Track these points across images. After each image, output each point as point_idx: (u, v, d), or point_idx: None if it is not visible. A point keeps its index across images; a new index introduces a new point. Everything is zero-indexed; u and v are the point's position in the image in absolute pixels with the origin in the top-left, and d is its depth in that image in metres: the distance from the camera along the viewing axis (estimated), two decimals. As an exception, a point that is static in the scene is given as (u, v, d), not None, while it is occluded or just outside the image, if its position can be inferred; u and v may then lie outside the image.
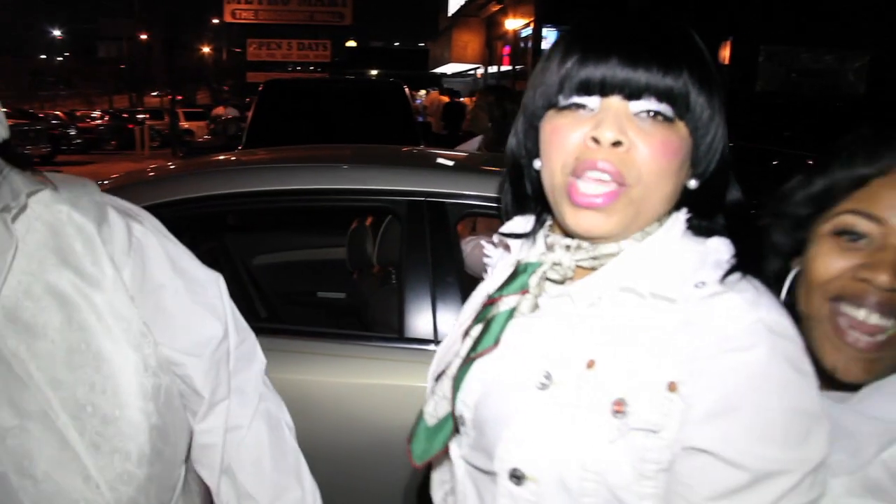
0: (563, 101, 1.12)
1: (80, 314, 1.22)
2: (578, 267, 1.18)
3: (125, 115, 33.84)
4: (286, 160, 3.18)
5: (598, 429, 1.05)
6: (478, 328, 1.24)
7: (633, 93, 1.07)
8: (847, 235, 1.15)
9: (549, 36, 20.52)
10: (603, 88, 1.08)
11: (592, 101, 1.09)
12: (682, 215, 1.16)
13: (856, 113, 12.05)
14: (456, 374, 1.23)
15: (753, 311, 1.03)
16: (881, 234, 1.11)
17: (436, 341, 2.59)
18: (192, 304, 1.39)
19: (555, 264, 1.19)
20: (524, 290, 1.21)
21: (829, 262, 1.15)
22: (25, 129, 19.96)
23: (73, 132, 26.13)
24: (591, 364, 1.08)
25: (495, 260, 1.39)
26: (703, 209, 1.17)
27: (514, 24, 22.43)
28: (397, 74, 28.93)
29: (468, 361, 1.21)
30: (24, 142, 19.22)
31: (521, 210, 1.32)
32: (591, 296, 1.13)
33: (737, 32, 17.30)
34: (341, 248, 3.91)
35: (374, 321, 3.30)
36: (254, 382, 1.51)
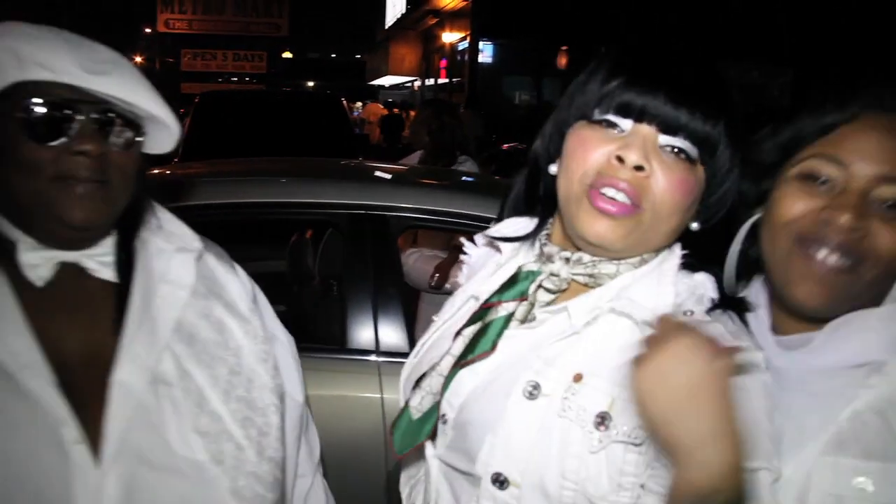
0: (596, 116, 1.17)
1: (235, 340, 1.45)
2: (573, 281, 1.23)
3: None
4: (224, 173, 3.18)
5: (580, 440, 1.10)
6: (471, 330, 1.27)
7: (669, 128, 1.13)
8: (812, 179, 1.18)
9: (486, 49, 20.74)
10: (641, 115, 1.14)
11: (625, 124, 1.15)
12: (678, 251, 1.22)
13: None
14: (448, 373, 1.26)
15: (736, 342, 1.08)
16: (844, 178, 1.15)
17: (378, 352, 2.62)
18: (290, 357, 1.63)
19: (552, 275, 1.23)
20: (523, 298, 1.25)
21: (793, 203, 1.19)
22: None
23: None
24: (578, 378, 1.13)
25: (476, 260, 1.44)
26: (700, 253, 1.23)
27: (450, 37, 22.58)
28: (334, 86, 28.81)
29: (463, 363, 1.25)
30: None
31: (528, 210, 1.36)
32: (588, 314, 1.17)
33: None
34: (281, 261, 3.92)
35: (315, 333, 3.31)
36: (315, 439, 1.71)
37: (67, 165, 1.24)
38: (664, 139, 1.14)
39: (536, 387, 1.15)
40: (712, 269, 1.22)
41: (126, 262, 1.37)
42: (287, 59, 38.93)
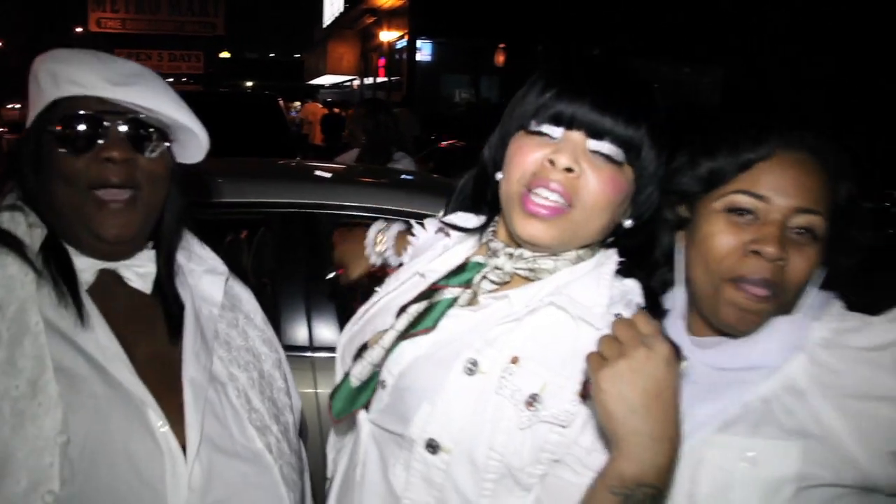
0: (533, 126, 1.31)
1: (256, 347, 1.63)
2: (515, 274, 1.37)
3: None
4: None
5: (512, 416, 1.23)
6: (416, 308, 1.40)
7: (595, 133, 1.27)
8: (736, 212, 1.32)
9: (424, 48, 20.84)
10: (570, 123, 1.28)
11: (557, 132, 1.29)
12: (615, 256, 1.36)
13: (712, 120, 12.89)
14: (390, 345, 1.38)
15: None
16: (765, 211, 1.30)
17: (311, 348, 2.66)
18: (286, 364, 1.75)
19: (496, 268, 1.37)
20: (468, 286, 1.39)
21: (724, 238, 1.33)
22: None
23: None
24: (514, 360, 1.26)
25: (423, 242, 1.60)
26: (631, 258, 1.37)
27: (388, 35, 22.61)
28: (273, 86, 28.54)
29: (406, 336, 1.37)
30: None
31: (475, 210, 1.50)
32: (528, 303, 1.31)
33: (599, 44, 18.07)
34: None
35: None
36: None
37: (98, 172, 1.37)
38: (592, 144, 1.27)
39: (475, 364, 1.28)
40: (640, 276, 1.36)
41: (168, 271, 1.53)
42: (225, 59, 38.40)
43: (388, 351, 1.39)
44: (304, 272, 2.74)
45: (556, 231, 1.29)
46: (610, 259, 1.37)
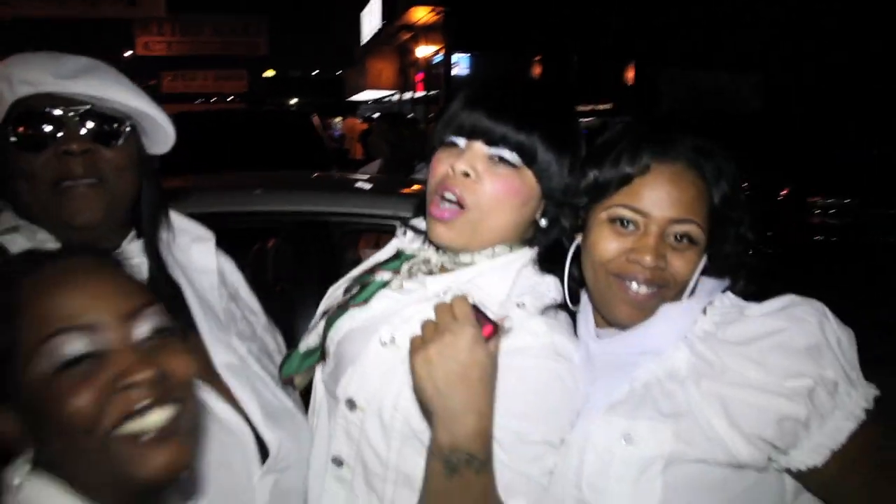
0: (445, 139, 1.53)
1: (246, 313, 1.74)
2: (443, 266, 1.59)
3: None
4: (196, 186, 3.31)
5: (411, 383, 1.36)
6: (356, 287, 1.64)
7: (491, 140, 1.47)
8: (619, 222, 1.45)
9: (460, 62, 21.00)
10: (470, 133, 1.49)
11: (461, 142, 1.50)
12: (529, 252, 1.56)
13: (753, 125, 12.76)
14: (330, 317, 1.61)
15: (550, 334, 1.44)
16: (644, 223, 1.43)
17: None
18: None
19: (425, 260, 1.61)
20: (397, 271, 1.63)
21: (607, 244, 1.45)
22: None
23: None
24: None
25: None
26: (549, 253, 1.55)
27: (424, 51, 22.86)
28: (315, 103, 28.97)
29: (341, 309, 1.60)
30: None
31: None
32: (438, 290, 1.52)
33: (639, 57, 18.07)
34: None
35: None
36: None
37: (60, 167, 1.38)
38: (489, 150, 1.47)
39: (392, 339, 1.47)
40: (559, 272, 1.52)
41: (156, 259, 1.55)
42: (268, 77, 39.06)
43: (329, 321, 1.59)
44: (318, 278, 2.87)
45: (455, 232, 1.49)
46: (523, 255, 1.53)
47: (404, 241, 1.72)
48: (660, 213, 1.40)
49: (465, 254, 1.54)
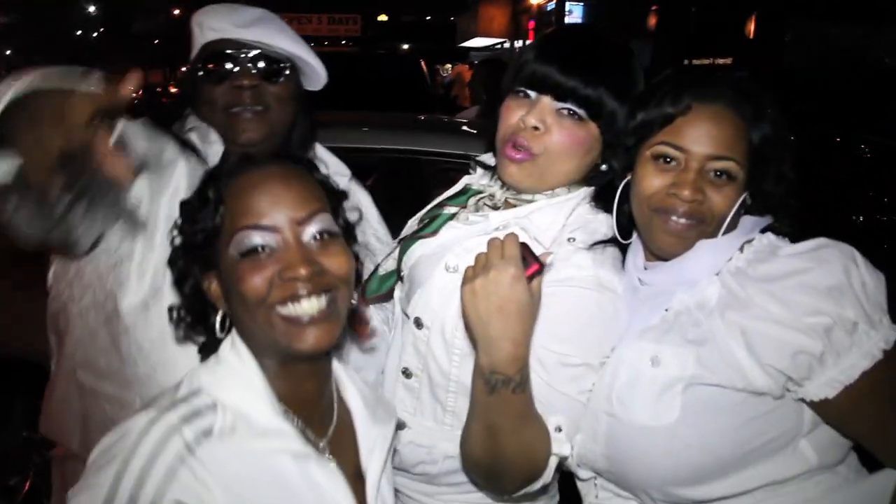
0: (515, 88, 1.66)
1: (369, 240, 2.03)
2: (507, 202, 1.75)
3: (159, 90, 34.16)
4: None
5: None
6: (427, 219, 1.83)
7: (559, 95, 1.60)
8: (662, 159, 1.54)
9: (574, 10, 20.57)
10: (541, 87, 1.61)
11: (531, 94, 1.64)
12: (585, 191, 1.70)
13: (888, 87, 12.01)
14: (404, 244, 1.82)
15: (594, 268, 1.58)
16: (685, 159, 1.52)
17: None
18: None
19: (490, 195, 1.77)
20: (463, 206, 1.80)
21: (651, 180, 1.56)
22: None
23: (109, 107, 26.32)
24: None
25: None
26: (609, 188, 1.67)
27: (539, -3, 22.52)
28: (426, 48, 29.02)
29: (413, 238, 1.80)
30: None
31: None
32: (499, 223, 1.68)
33: (761, 8, 17.20)
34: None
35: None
36: None
37: (232, 96, 1.78)
38: (557, 104, 1.60)
39: (456, 266, 1.64)
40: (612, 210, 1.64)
41: None
42: (381, 22, 39.24)
43: (403, 248, 1.80)
44: (408, 213, 3.00)
45: (525, 174, 1.64)
46: (579, 194, 1.67)
47: (474, 176, 1.88)
48: (699, 150, 1.50)
49: (528, 193, 1.70)
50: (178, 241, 1.33)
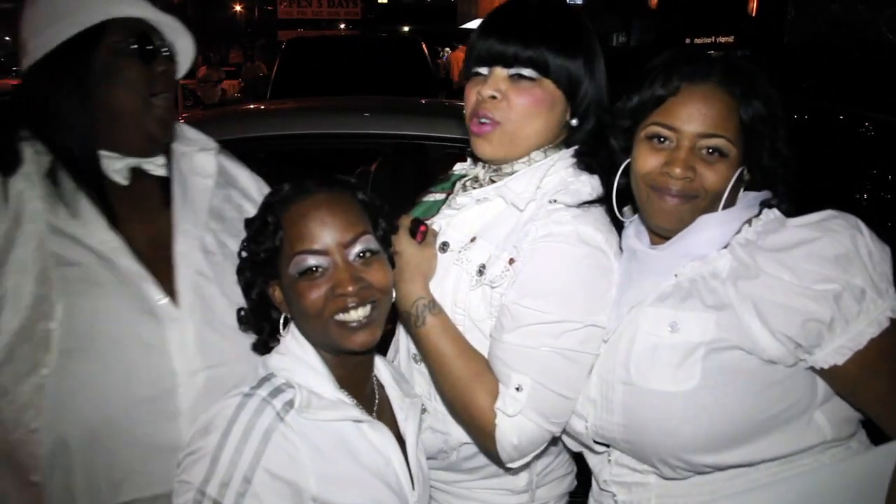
0: (470, 71, 1.75)
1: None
2: (490, 180, 1.77)
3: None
4: (306, 108, 3.50)
5: (466, 281, 1.68)
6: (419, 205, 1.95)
7: (506, 62, 1.67)
8: (655, 139, 1.60)
9: (575, -10, 20.42)
10: (488, 60, 1.69)
11: (483, 70, 1.71)
12: (564, 153, 1.74)
13: (891, 62, 11.92)
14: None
15: (573, 223, 1.61)
16: (676, 138, 1.57)
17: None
18: None
19: (474, 177, 1.82)
20: (448, 191, 1.87)
21: (646, 160, 1.61)
22: None
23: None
24: (473, 240, 1.73)
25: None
26: (587, 147, 1.75)
27: (540, -22, 22.32)
28: (427, 30, 28.88)
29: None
30: None
31: None
32: (479, 196, 1.75)
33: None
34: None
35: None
36: None
37: (155, 81, 1.67)
38: (507, 71, 1.66)
39: (446, 244, 1.74)
40: (599, 174, 1.71)
41: (170, 163, 1.80)
42: (382, 4, 39.03)
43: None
44: (413, 197, 3.03)
45: (495, 145, 1.69)
46: (554, 158, 1.71)
47: (464, 164, 1.93)
48: (689, 129, 1.55)
49: (506, 164, 1.73)
50: (244, 255, 1.56)
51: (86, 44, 1.59)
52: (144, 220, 1.72)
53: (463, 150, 3.19)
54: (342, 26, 32.44)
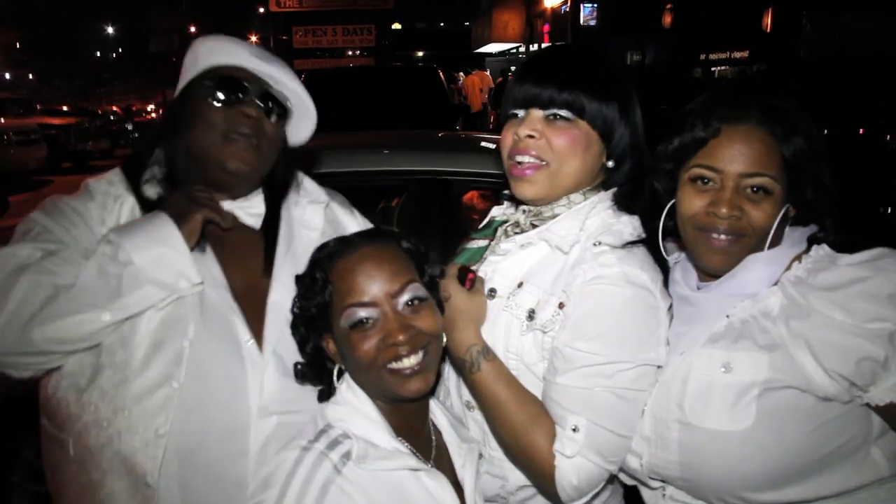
0: (507, 113, 1.78)
1: None
2: (532, 224, 1.79)
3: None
4: (329, 146, 3.54)
5: (516, 326, 1.68)
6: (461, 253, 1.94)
7: (542, 104, 1.69)
8: (699, 180, 1.62)
9: (587, 10, 20.55)
10: (525, 103, 1.72)
11: (520, 112, 1.74)
12: (603, 195, 1.76)
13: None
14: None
15: (620, 265, 1.61)
16: (720, 179, 1.59)
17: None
18: None
19: (515, 223, 1.84)
20: (490, 238, 1.88)
21: (691, 202, 1.63)
22: (86, 126, 20.37)
23: (130, 126, 26.52)
24: (520, 285, 1.72)
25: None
26: (626, 189, 1.76)
27: (552, 1, 22.48)
28: (441, 55, 29.06)
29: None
30: (84, 138, 19.73)
31: None
32: (523, 241, 1.76)
33: (777, 1, 17.11)
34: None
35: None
36: None
37: (234, 122, 1.74)
38: (543, 112, 1.69)
39: (494, 291, 1.75)
40: (640, 213, 1.72)
41: (272, 214, 1.88)
42: (396, 30, 39.38)
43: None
44: (438, 233, 3.03)
45: (537, 185, 1.71)
46: (594, 200, 1.73)
47: (502, 208, 1.95)
48: (732, 169, 1.56)
49: (547, 208, 1.75)
50: (296, 311, 1.61)
51: (192, 89, 1.78)
52: (243, 264, 1.81)
53: (485, 184, 3.26)
54: (357, 53, 32.72)
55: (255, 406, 1.68)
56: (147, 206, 1.75)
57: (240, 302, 1.74)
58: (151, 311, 1.64)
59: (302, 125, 1.91)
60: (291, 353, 1.70)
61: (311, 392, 1.70)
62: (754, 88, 1.64)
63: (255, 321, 1.73)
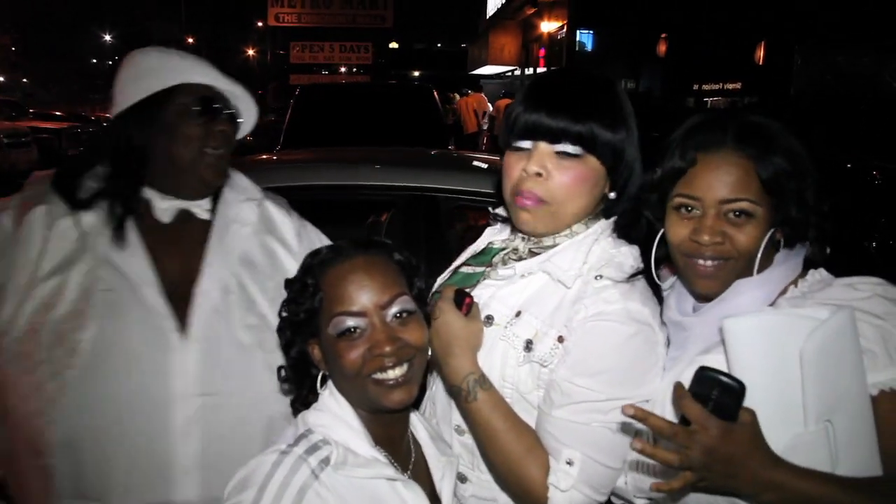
0: (511, 143, 1.72)
1: (283, 263, 2.01)
2: (531, 251, 1.78)
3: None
4: (296, 161, 3.57)
5: (514, 356, 1.67)
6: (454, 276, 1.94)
7: (553, 138, 1.66)
8: (682, 209, 1.64)
9: (584, 38, 20.73)
10: (533, 134, 1.67)
11: (527, 144, 1.69)
12: (604, 224, 1.76)
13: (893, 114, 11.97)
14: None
15: (623, 301, 1.62)
16: (701, 206, 1.61)
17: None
18: None
19: (514, 249, 1.82)
20: (488, 265, 1.85)
21: (677, 230, 1.65)
22: (79, 131, 20.19)
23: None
24: (518, 314, 1.71)
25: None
26: (625, 217, 1.76)
27: (548, 26, 22.67)
28: (438, 76, 29.23)
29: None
30: (78, 144, 19.63)
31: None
32: (524, 270, 1.74)
33: (770, 35, 17.31)
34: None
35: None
36: None
37: (210, 138, 1.89)
38: (553, 147, 1.66)
39: (490, 318, 1.72)
40: (639, 244, 1.72)
41: (215, 210, 1.99)
42: (393, 49, 39.54)
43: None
44: (423, 249, 3.05)
45: (539, 221, 1.70)
46: (596, 230, 1.72)
47: (495, 230, 1.93)
48: (710, 196, 1.58)
49: (548, 238, 1.75)
50: (284, 314, 1.61)
51: (160, 101, 1.86)
52: (181, 257, 1.92)
53: (472, 202, 3.28)
54: (353, 69, 32.82)
55: (176, 389, 1.78)
56: (77, 205, 1.85)
57: (174, 293, 1.85)
58: (62, 305, 1.76)
59: (244, 127, 2.04)
60: (221, 339, 1.83)
61: (242, 378, 1.82)
62: (732, 113, 1.67)
63: (187, 310, 1.84)
